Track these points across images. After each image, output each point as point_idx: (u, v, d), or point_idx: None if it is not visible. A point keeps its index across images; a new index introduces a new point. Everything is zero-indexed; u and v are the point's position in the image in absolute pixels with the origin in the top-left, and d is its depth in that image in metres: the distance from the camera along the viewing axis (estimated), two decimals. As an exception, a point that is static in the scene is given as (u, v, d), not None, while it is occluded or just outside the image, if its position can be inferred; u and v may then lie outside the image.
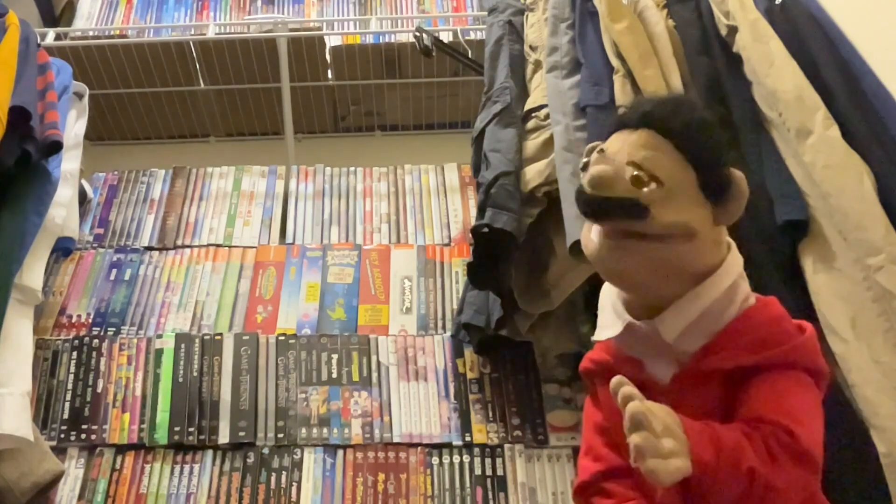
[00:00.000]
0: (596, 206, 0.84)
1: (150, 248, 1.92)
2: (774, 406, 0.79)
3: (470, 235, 1.47)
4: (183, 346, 1.70)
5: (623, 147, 0.85)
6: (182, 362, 1.67)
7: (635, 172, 0.82)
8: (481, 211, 1.43)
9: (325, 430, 1.59)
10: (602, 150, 0.85)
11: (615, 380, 0.75)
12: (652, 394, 0.87)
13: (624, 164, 0.83)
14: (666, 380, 0.88)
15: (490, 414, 1.61)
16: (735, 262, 0.88)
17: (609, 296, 0.94)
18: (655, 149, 0.83)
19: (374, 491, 1.51)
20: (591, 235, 0.87)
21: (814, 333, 0.87)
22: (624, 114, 0.91)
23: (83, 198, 1.95)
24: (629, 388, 0.73)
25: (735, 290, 0.86)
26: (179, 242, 1.94)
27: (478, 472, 1.53)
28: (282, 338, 1.73)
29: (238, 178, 2.10)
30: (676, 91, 1.39)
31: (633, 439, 0.71)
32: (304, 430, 1.59)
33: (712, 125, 0.87)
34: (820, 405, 0.83)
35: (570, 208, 1.31)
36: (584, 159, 0.88)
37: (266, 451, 1.57)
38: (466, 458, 1.55)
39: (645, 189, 0.81)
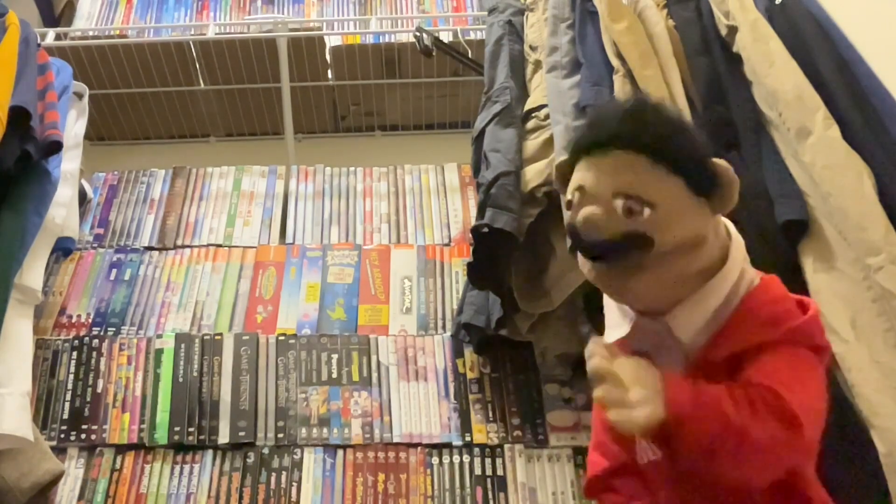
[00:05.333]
0: (596, 250, 0.80)
1: (150, 248, 1.92)
2: (764, 373, 0.78)
3: (470, 235, 1.47)
4: (183, 346, 1.70)
5: (600, 177, 0.80)
6: (182, 362, 1.67)
7: (625, 203, 0.78)
8: (481, 211, 1.43)
9: (325, 430, 1.59)
10: (581, 188, 0.81)
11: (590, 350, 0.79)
12: None
13: (609, 196, 0.78)
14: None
15: (490, 414, 1.61)
16: (738, 247, 0.86)
17: None
18: (635, 169, 0.78)
19: (374, 491, 1.51)
20: (588, 264, 0.84)
21: (817, 311, 0.85)
22: (583, 138, 0.84)
23: (83, 198, 1.95)
24: (598, 361, 0.76)
25: (743, 277, 0.84)
26: (179, 242, 1.94)
27: (478, 472, 1.53)
28: (282, 338, 1.73)
29: (238, 178, 2.10)
30: (646, 95, 1.32)
31: (596, 393, 0.74)
32: (304, 430, 1.59)
33: (678, 122, 0.83)
34: (821, 380, 0.81)
35: (570, 208, 1.30)
36: (567, 198, 0.84)
37: (266, 451, 1.57)
38: (466, 458, 1.55)
39: (641, 218, 0.78)
